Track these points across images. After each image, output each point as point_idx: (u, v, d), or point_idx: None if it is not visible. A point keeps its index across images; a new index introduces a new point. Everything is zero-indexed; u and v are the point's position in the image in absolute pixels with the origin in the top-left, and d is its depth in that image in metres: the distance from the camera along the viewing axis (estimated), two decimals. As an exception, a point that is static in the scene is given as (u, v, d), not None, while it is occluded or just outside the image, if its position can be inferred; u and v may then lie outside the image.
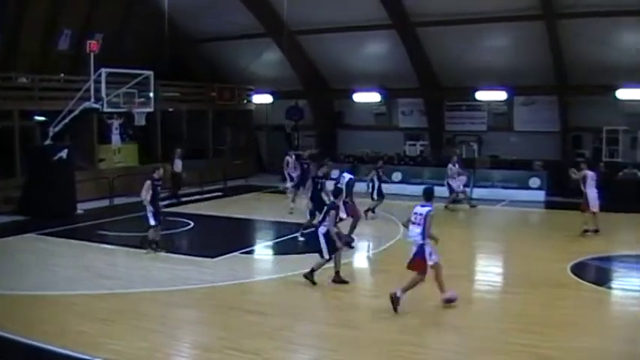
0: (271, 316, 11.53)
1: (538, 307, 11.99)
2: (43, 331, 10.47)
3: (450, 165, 24.12)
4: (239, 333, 10.61)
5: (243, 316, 11.52)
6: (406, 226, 12.06)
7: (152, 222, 16.20)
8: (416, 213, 11.71)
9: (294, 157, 25.92)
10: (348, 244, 16.09)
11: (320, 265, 13.52)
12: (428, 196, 11.99)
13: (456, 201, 23.91)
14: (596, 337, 10.40)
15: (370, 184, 21.50)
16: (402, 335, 10.49)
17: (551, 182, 25.44)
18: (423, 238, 11.56)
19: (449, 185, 23.93)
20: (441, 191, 24.51)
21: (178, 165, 24.89)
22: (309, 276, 13.40)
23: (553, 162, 26.96)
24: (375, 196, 21.55)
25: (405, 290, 11.51)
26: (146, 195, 16.00)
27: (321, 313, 11.93)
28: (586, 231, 18.36)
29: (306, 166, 21.68)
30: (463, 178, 24.09)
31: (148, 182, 16.10)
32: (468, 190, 24.56)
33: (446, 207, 23.14)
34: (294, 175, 24.62)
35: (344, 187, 16.31)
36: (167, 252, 16.29)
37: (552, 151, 28.23)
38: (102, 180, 25.09)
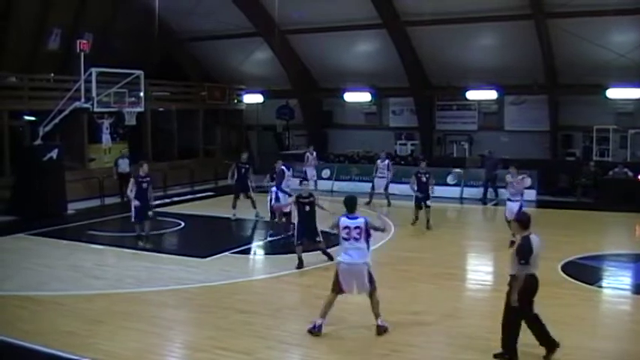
0: (262, 315, 11.50)
1: (528, 305, 11.99)
2: (30, 331, 10.42)
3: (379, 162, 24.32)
4: (230, 333, 10.60)
5: (234, 316, 11.50)
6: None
7: (132, 218, 17.24)
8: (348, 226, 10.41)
9: (314, 153, 27.38)
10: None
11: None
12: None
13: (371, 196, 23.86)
14: (585, 336, 10.43)
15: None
16: (391, 335, 10.46)
17: (542, 181, 25.48)
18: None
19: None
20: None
21: (123, 165, 24.74)
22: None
23: (543, 161, 27.05)
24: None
25: None
26: (130, 192, 17.12)
27: (312, 312, 11.88)
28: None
29: (244, 170, 21.17)
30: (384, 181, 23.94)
31: (132, 180, 17.40)
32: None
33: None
34: (310, 171, 26.02)
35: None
36: (158, 252, 16.33)
37: (543, 150, 28.32)
38: (92, 180, 25.06)
